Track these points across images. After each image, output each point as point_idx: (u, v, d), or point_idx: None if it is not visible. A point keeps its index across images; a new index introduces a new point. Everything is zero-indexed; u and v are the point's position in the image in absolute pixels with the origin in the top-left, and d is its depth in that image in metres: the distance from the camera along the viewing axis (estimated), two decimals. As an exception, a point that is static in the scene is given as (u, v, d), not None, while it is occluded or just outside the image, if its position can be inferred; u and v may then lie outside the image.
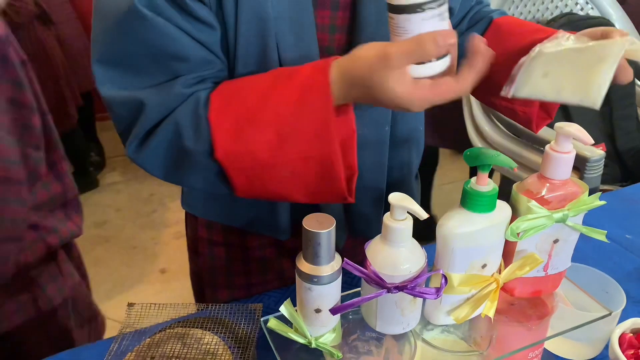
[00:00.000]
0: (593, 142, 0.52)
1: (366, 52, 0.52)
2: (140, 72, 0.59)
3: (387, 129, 0.72)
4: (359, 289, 0.57)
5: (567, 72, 0.57)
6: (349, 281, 0.83)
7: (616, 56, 0.55)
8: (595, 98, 0.55)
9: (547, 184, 0.55)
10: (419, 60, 0.50)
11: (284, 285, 0.85)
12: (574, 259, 0.62)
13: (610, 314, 0.60)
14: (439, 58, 0.51)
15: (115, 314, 1.51)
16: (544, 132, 0.97)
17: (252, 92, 0.58)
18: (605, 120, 1.57)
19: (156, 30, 0.56)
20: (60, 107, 2.33)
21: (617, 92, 1.55)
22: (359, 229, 0.80)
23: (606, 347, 0.72)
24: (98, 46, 0.60)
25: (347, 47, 0.66)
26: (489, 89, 0.66)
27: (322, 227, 0.49)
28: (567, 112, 1.53)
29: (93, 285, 2.32)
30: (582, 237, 0.58)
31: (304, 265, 0.50)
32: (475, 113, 1.58)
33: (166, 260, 2.35)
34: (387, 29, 0.53)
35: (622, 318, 0.70)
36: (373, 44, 0.52)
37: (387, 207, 0.67)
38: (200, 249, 0.86)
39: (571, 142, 0.53)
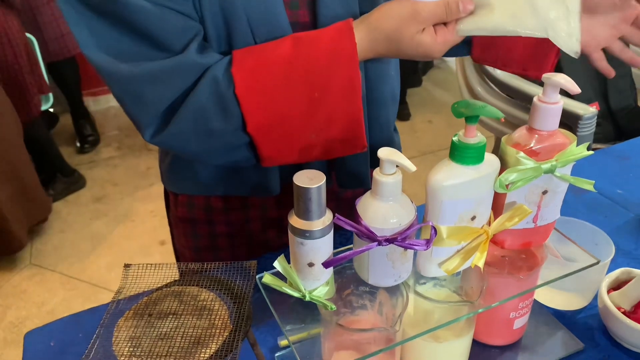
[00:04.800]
0: (580, 91, 0.52)
1: (397, 9, 0.58)
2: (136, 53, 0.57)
3: (362, 89, 0.72)
4: (352, 245, 0.58)
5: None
6: (344, 241, 0.85)
7: None
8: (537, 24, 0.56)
9: (536, 136, 0.55)
10: (442, 21, 0.59)
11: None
12: (566, 214, 0.62)
13: (598, 263, 0.61)
14: None
15: (116, 286, 1.53)
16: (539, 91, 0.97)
17: (276, 63, 0.59)
18: (599, 79, 1.56)
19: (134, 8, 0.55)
20: (21, 96, 2.21)
21: (611, 51, 1.54)
22: (345, 186, 0.81)
23: (595, 297, 0.74)
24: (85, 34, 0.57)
25: (312, 23, 0.67)
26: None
27: (312, 182, 0.49)
28: (560, 70, 1.53)
29: (93, 258, 2.36)
30: (575, 193, 0.59)
31: (295, 221, 0.51)
32: (468, 73, 1.57)
33: (165, 232, 2.35)
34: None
35: (612, 269, 0.71)
36: (399, 1, 0.58)
37: (371, 159, 0.68)
38: (182, 228, 0.86)
39: (558, 92, 0.54)
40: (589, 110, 1.15)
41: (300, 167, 0.74)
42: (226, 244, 0.85)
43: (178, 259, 0.96)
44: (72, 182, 2.62)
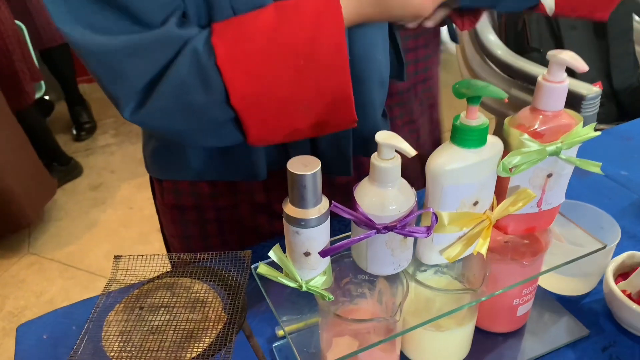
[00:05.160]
0: (588, 68, 0.50)
1: None
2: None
3: None
4: (349, 233, 0.56)
5: None
6: (343, 228, 0.83)
7: None
8: None
9: (540, 116, 0.53)
10: None
11: (261, 242, 0.84)
12: (569, 197, 0.60)
13: (604, 247, 0.59)
14: None
15: (113, 273, 1.51)
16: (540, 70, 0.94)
17: (259, 30, 0.56)
18: (602, 59, 1.53)
19: None
20: (14, 84, 2.18)
21: (614, 29, 1.51)
22: (329, 171, 0.78)
23: (600, 281, 0.72)
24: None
25: None
26: None
27: (307, 169, 0.47)
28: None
29: (91, 247, 2.35)
30: (578, 175, 0.57)
31: (290, 209, 0.49)
32: (468, 54, 1.54)
33: (164, 219, 2.36)
34: None
35: (618, 253, 0.69)
36: None
37: (355, 145, 0.68)
38: (171, 216, 0.85)
39: (564, 71, 0.51)
40: (592, 90, 1.12)
41: (286, 151, 0.72)
42: (216, 231, 0.83)
43: (168, 249, 0.95)
44: (69, 170, 2.60)
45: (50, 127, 2.63)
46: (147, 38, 0.54)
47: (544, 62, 0.75)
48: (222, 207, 0.81)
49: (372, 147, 0.77)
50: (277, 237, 0.85)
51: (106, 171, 2.68)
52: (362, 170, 0.85)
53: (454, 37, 0.78)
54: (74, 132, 2.94)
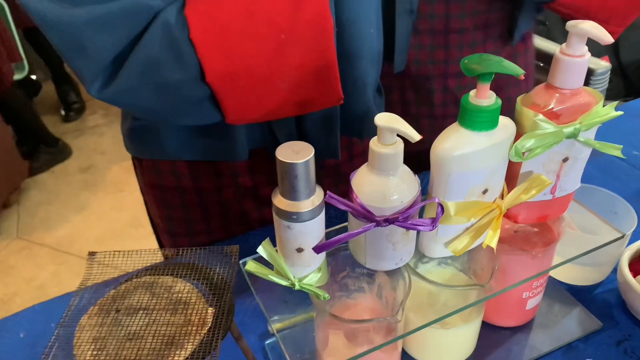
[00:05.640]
0: (613, 40, 0.44)
1: None
2: None
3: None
4: (346, 223, 0.51)
5: None
6: (340, 215, 0.78)
7: None
8: None
9: (557, 95, 0.47)
10: None
11: (249, 229, 0.80)
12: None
13: (623, 237, 0.55)
14: None
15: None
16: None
17: (235, 2, 0.51)
18: (608, 32, 1.46)
19: None
20: None
21: None
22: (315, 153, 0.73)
23: (613, 270, 0.68)
24: None
25: None
26: None
27: (298, 157, 0.42)
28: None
29: (82, 231, 2.29)
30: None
31: (280, 201, 0.44)
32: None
33: (156, 202, 2.31)
34: None
35: (632, 240, 0.65)
36: None
37: (344, 126, 0.64)
38: (153, 195, 0.80)
39: (585, 43, 0.46)
40: (601, 65, 1.06)
41: (270, 129, 0.68)
42: (200, 215, 0.79)
43: (155, 230, 0.90)
44: (57, 152, 2.54)
45: (36, 109, 2.56)
46: (113, 9, 0.48)
47: (550, 36, 0.69)
48: (204, 190, 0.77)
49: (363, 127, 0.72)
50: (267, 225, 0.80)
51: (96, 153, 2.62)
52: (353, 151, 0.79)
53: None
54: (62, 112, 2.86)
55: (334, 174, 0.78)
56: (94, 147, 2.65)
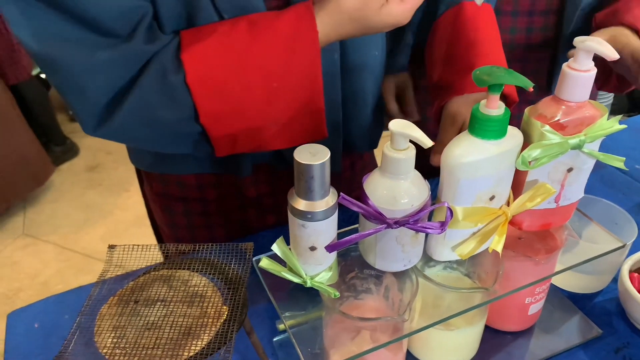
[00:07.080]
0: (618, 56, 0.46)
1: None
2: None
3: (336, 57, 0.66)
4: (357, 225, 0.53)
5: None
6: (347, 218, 0.80)
7: None
8: None
9: (563, 107, 0.49)
10: None
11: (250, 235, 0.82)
12: (582, 191, 0.58)
13: (624, 246, 0.57)
14: None
15: (109, 257, 1.49)
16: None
17: (231, 49, 0.53)
18: (613, 47, 1.49)
19: None
20: (11, 57, 2.16)
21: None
22: None
23: (613, 279, 0.69)
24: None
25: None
26: None
27: (315, 159, 0.44)
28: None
29: (87, 229, 2.31)
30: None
31: (296, 201, 0.46)
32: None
33: (161, 203, 2.33)
34: None
35: (632, 251, 0.67)
36: None
37: (345, 139, 0.67)
38: (159, 202, 0.82)
39: (592, 58, 0.48)
40: (606, 80, 1.09)
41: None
42: (203, 223, 0.81)
43: (159, 236, 0.92)
44: (65, 150, 2.56)
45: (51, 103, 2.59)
46: (114, 56, 0.50)
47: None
48: (208, 200, 0.79)
49: (363, 140, 0.74)
50: (267, 231, 0.82)
51: (103, 152, 2.64)
52: (356, 165, 0.82)
53: None
54: (70, 112, 2.89)
55: (335, 181, 0.81)
56: (101, 147, 2.67)
